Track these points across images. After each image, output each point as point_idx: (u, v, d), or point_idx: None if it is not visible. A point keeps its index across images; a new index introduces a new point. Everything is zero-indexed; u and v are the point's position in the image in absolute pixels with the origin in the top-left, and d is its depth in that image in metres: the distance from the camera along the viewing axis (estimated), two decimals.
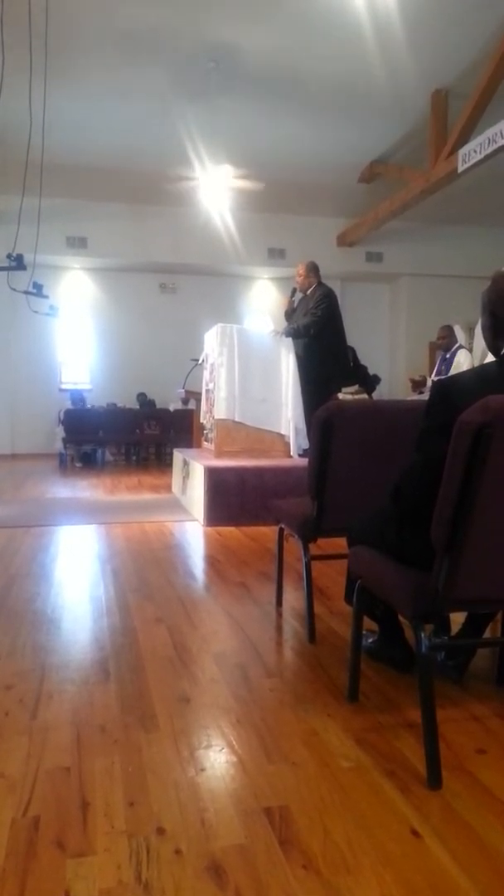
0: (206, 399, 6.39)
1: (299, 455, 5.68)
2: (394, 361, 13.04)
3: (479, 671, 2.28)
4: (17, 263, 7.18)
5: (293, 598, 3.16)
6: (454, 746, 1.79)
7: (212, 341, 6.09)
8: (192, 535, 4.87)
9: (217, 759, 1.74)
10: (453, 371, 7.01)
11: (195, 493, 5.53)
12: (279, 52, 6.98)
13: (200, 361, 6.74)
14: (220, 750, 1.78)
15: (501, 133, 7.09)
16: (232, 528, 4.97)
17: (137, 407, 11.78)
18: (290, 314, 6.30)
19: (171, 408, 11.21)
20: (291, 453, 5.80)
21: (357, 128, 8.76)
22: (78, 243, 11.26)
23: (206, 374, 6.47)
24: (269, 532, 4.50)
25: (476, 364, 6.69)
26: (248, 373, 5.81)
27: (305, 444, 5.51)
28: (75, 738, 1.84)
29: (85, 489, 7.73)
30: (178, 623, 2.83)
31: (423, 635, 1.68)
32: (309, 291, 6.17)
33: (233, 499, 5.10)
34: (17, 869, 1.33)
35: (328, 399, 4.81)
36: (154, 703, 2.06)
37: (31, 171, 6.86)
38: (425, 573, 1.70)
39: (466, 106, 7.58)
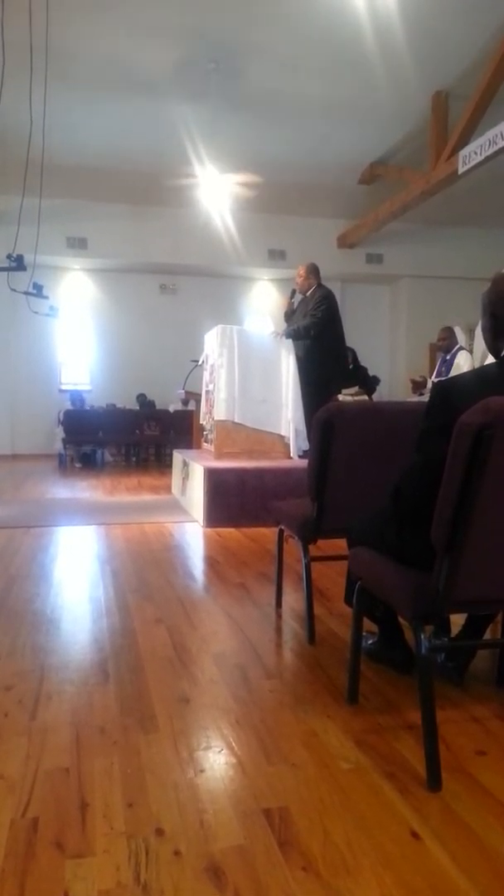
0: (206, 400, 6.39)
1: (299, 456, 5.67)
2: (394, 363, 13.04)
3: (480, 672, 2.28)
4: (18, 264, 7.17)
5: (293, 599, 3.16)
6: (454, 748, 1.79)
7: (212, 342, 6.09)
8: (192, 536, 4.87)
9: (216, 760, 1.74)
10: (453, 372, 7.01)
11: (195, 494, 5.53)
12: (279, 52, 6.99)
13: (200, 362, 6.74)
14: (220, 751, 1.78)
15: (502, 135, 7.09)
16: (232, 530, 4.97)
17: (137, 408, 11.77)
18: (289, 315, 6.30)
19: (171, 409, 11.21)
20: (291, 454, 5.80)
21: (357, 129, 8.77)
22: (78, 244, 11.25)
23: (205, 375, 6.47)
24: (268, 533, 4.50)
25: (476, 365, 6.70)
26: (248, 374, 5.81)
27: (305, 445, 5.51)
28: (74, 739, 1.84)
29: (84, 490, 7.72)
30: (178, 624, 2.83)
31: (423, 636, 1.68)
32: (309, 293, 6.17)
33: (232, 500, 5.10)
34: (17, 870, 1.33)
35: (328, 400, 4.82)
36: (153, 703, 2.05)
37: (31, 172, 6.86)
38: (425, 574, 1.70)
39: (467, 107, 7.59)
